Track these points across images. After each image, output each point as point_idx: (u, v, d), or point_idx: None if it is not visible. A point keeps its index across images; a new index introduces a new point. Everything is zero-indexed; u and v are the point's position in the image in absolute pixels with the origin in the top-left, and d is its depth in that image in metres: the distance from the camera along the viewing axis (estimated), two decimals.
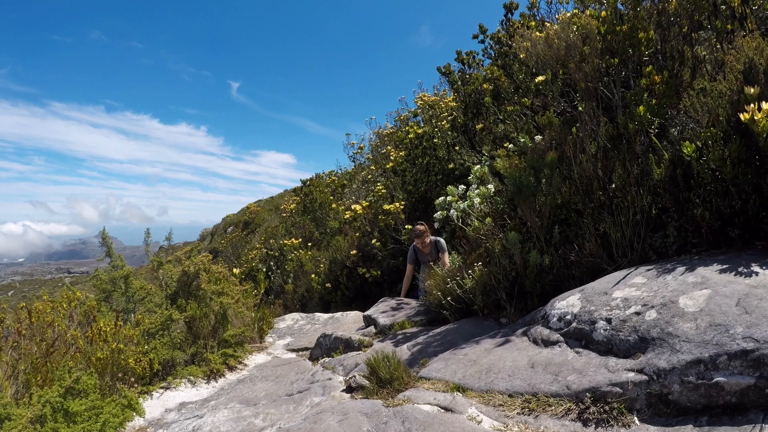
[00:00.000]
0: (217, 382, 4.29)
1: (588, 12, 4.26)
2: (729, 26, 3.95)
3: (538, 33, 4.96)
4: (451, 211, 3.96)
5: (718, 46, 4.06)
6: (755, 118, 2.65)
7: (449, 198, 4.04)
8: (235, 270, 5.51)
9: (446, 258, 5.20)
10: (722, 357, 2.00)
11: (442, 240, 5.17)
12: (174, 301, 4.54)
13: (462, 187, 4.09)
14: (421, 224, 5.23)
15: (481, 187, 3.83)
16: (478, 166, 4.15)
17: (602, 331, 2.54)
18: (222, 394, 3.98)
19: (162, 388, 4.08)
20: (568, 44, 3.84)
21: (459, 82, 5.74)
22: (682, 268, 2.71)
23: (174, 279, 4.59)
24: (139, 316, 4.27)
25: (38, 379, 3.49)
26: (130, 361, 3.84)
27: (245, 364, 4.61)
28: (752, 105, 2.68)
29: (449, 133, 6.04)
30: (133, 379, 3.89)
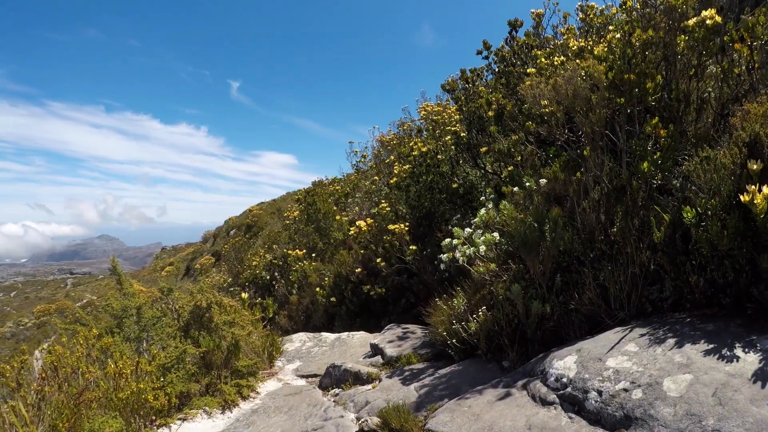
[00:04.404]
0: (231, 412, 4.75)
1: (596, 51, 4.54)
2: (736, 70, 4.24)
3: (543, 60, 5.25)
4: (457, 253, 4.35)
5: (725, 88, 4.36)
6: (755, 201, 2.89)
7: (455, 241, 4.42)
8: (243, 295, 5.95)
9: None
10: None
11: None
12: (187, 333, 4.98)
13: (468, 230, 4.47)
14: None
15: (486, 234, 4.21)
16: (484, 210, 4.51)
17: (593, 402, 2.96)
18: (239, 427, 4.44)
19: (179, 419, 4.53)
20: (575, 91, 4.15)
21: (463, 99, 6.05)
22: (671, 341, 3.10)
23: (186, 311, 5.02)
24: (155, 351, 4.72)
25: (65, 423, 3.94)
26: (150, 397, 4.30)
27: (258, 393, 5.08)
28: (753, 187, 2.88)
29: (452, 148, 6.37)
30: (153, 416, 4.37)
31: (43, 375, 4.17)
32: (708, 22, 3.81)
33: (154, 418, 4.37)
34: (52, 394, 3.97)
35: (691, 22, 3.91)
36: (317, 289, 8.53)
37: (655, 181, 4.02)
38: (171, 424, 4.43)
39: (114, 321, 5.35)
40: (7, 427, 3.68)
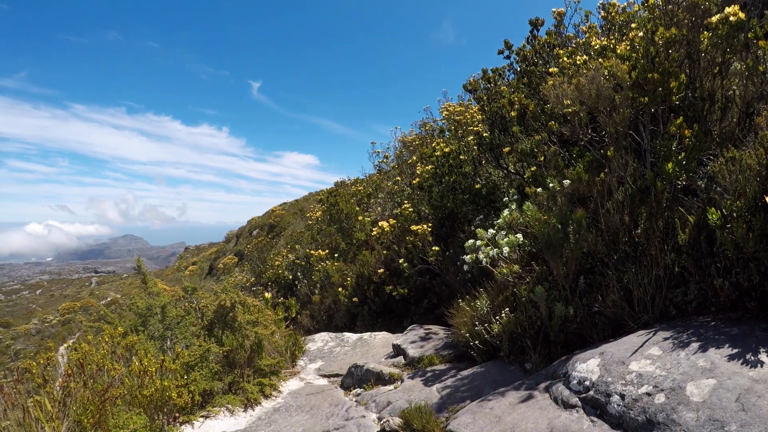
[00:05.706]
0: (254, 410, 4.87)
1: (618, 49, 4.54)
2: (761, 68, 4.20)
3: (565, 59, 5.26)
4: (480, 254, 4.40)
5: (750, 87, 4.32)
6: None
7: (478, 242, 4.47)
8: (267, 294, 6.08)
9: None
10: None
11: None
12: (211, 332, 5.12)
13: (491, 231, 4.51)
14: None
15: (510, 236, 4.25)
16: (507, 211, 4.54)
17: (616, 406, 2.98)
18: (260, 426, 4.55)
19: (202, 417, 4.66)
20: (598, 91, 4.17)
21: (485, 99, 6.09)
22: (695, 345, 3.10)
23: (211, 310, 5.15)
24: (179, 350, 4.86)
25: (90, 419, 4.08)
26: (173, 394, 4.44)
27: (280, 391, 5.19)
28: None
29: (475, 148, 6.42)
30: (176, 413, 4.51)
31: (69, 371, 4.33)
32: (731, 18, 3.80)
33: (177, 415, 4.50)
34: (78, 391, 4.11)
35: (714, 18, 3.90)
36: (339, 289, 8.69)
37: (679, 182, 4.02)
38: (194, 422, 4.56)
39: (139, 319, 5.51)
40: (33, 421, 3.80)
